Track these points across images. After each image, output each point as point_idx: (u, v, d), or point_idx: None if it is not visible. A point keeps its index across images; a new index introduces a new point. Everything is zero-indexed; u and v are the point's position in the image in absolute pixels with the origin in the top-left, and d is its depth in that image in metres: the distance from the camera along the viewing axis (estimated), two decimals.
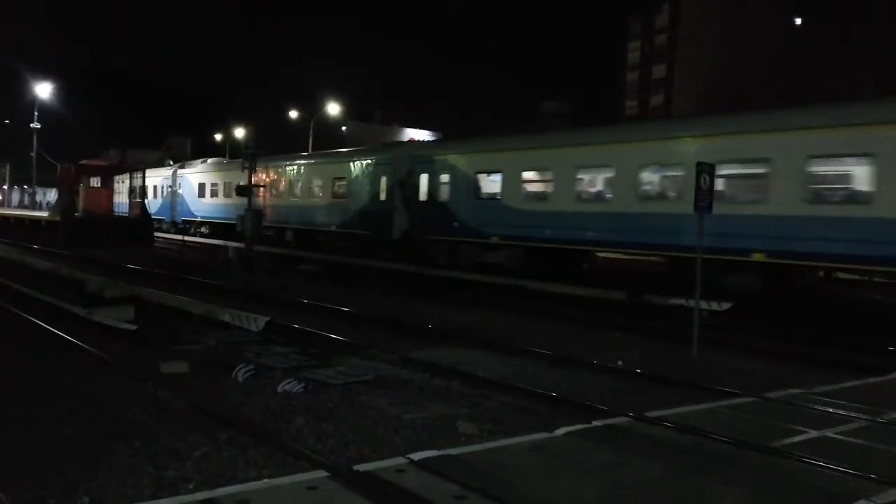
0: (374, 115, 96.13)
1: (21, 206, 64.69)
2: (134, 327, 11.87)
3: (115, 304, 13.99)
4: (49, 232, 35.84)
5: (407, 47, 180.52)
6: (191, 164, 43.44)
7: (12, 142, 70.63)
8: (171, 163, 53.82)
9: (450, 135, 34.23)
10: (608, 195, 19.13)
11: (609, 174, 19.14)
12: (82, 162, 38.85)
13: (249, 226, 25.81)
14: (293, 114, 67.62)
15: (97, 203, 35.72)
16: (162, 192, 44.84)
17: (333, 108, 60.91)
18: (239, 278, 21.17)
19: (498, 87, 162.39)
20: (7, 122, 75.10)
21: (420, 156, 25.29)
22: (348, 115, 74.63)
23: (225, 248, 29.43)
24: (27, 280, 18.32)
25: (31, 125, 58.63)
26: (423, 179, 24.55)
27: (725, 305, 15.26)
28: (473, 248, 22.55)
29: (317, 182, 30.86)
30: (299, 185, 32.00)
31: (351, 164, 29.06)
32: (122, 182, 36.90)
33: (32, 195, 64.25)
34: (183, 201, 41.99)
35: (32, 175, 61.96)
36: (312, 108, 61.89)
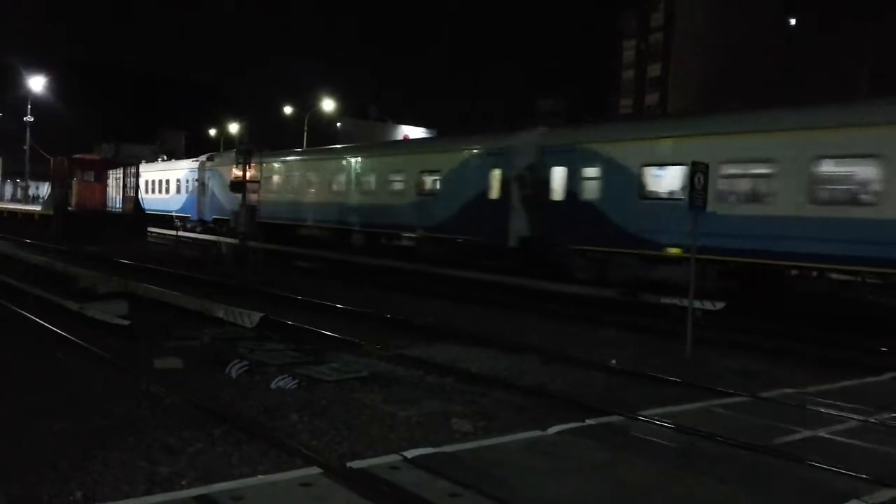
0: (370, 112, 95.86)
1: (14, 199, 64.39)
2: (127, 322, 11.83)
3: (108, 299, 13.95)
4: (42, 226, 35.71)
5: (402, 44, 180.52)
6: (222, 156, 38.76)
7: (6, 135, 70.27)
8: (165, 157, 53.30)
9: (594, 118, 28.32)
10: (867, 197, 14.43)
11: (874, 167, 14.24)
12: (75, 156, 38.53)
13: (243, 221, 25.78)
14: (287, 109, 67.54)
15: (90, 198, 35.48)
16: (186, 187, 40.54)
17: (328, 105, 60.86)
18: (233, 274, 21.11)
19: (494, 84, 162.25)
20: (0, 114, 74.75)
21: (553, 145, 20.53)
22: (343, 111, 74.52)
23: (219, 243, 29.36)
24: (20, 274, 18.25)
25: (25, 118, 58.35)
26: (558, 174, 20.06)
27: (719, 305, 15.28)
28: (637, 262, 18.02)
29: (397, 176, 26.06)
30: (372, 179, 27.15)
31: (448, 154, 24.43)
32: (116, 177, 36.51)
33: (25, 189, 64.01)
34: (213, 197, 37.13)
35: (25, 168, 61.74)
36: (307, 104, 61.85)
